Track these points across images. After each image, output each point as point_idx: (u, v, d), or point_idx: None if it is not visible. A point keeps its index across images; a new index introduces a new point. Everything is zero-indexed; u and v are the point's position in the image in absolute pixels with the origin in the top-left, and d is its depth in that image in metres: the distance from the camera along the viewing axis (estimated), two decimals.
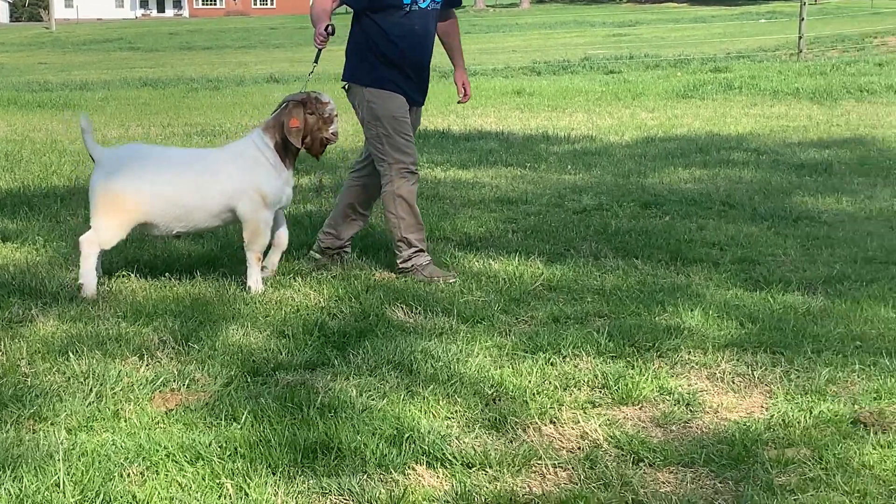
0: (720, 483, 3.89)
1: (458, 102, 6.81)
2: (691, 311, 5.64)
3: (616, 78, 20.58)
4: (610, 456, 4.07)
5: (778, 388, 4.72)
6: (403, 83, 6.33)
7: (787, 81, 18.46)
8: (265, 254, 6.21)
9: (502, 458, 4.02)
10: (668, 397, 4.63)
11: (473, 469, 3.96)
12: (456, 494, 3.75)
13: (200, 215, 6.01)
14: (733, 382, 4.81)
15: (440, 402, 4.52)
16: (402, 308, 5.76)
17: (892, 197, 8.88)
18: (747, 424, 4.33)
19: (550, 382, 4.76)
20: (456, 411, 4.46)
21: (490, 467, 3.96)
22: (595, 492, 3.79)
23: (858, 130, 13.21)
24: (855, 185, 9.48)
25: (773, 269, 6.54)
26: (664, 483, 3.90)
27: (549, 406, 4.49)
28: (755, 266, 6.66)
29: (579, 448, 4.16)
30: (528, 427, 4.33)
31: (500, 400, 4.57)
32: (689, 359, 5.06)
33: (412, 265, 6.41)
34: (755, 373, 4.89)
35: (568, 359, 5.03)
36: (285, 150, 6.08)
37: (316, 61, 6.43)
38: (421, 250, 6.44)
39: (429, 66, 6.47)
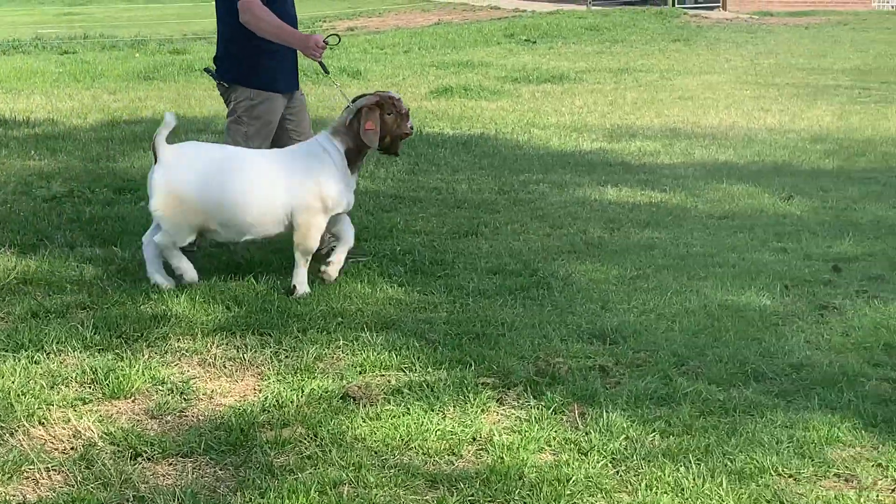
0: (221, 470, 3.90)
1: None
2: (177, 297, 5.59)
3: (72, 58, 19.84)
4: (106, 453, 3.96)
5: (269, 369, 4.81)
6: (284, 73, 6.49)
7: None
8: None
9: None
10: (161, 387, 4.57)
11: None
12: None
13: (269, 220, 5.88)
14: (225, 367, 4.84)
15: None
16: None
17: None
18: (242, 408, 4.38)
19: (36, 382, 4.54)
20: None
21: None
22: (94, 492, 3.67)
23: (318, 112, 13.60)
24: None
25: (253, 252, 6.62)
26: (164, 476, 3.85)
27: (36, 407, 4.29)
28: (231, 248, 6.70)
29: (73, 448, 4.01)
30: (16, 431, 4.10)
31: None
32: (179, 346, 5.01)
33: None
34: (245, 356, 4.94)
35: (53, 355, 4.82)
36: (357, 155, 5.97)
37: (327, 72, 6.64)
38: None
39: None
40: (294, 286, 5.87)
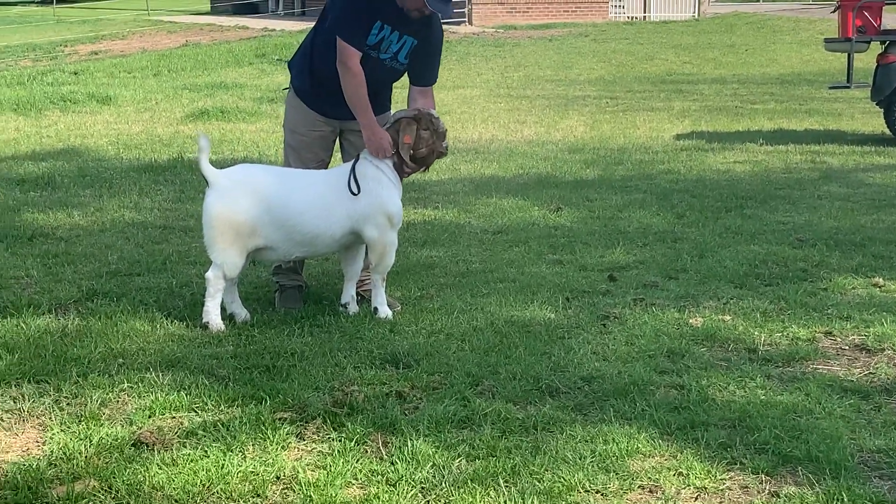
0: None
1: None
2: None
3: None
4: None
5: (51, 419, 4.53)
6: (328, 102, 6.10)
7: None
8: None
9: None
10: None
11: None
12: None
13: (324, 241, 5.77)
14: (3, 420, 4.53)
15: None
16: None
17: (120, 207, 8.95)
18: (27, 463, 4.10)
19: None
20: None
21: None
22: None
23: (70, 141, 13.17)
24: (82, 197, 9.42)
25: (19, 293, 6.26)
26: None
27: None
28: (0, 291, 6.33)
29: None
30: None
31: None
32: None
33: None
34: (24, 406, 4.64)
35: None
36: (401, 170, 5.92)
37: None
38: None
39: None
40: (375, 308, 5.93)
